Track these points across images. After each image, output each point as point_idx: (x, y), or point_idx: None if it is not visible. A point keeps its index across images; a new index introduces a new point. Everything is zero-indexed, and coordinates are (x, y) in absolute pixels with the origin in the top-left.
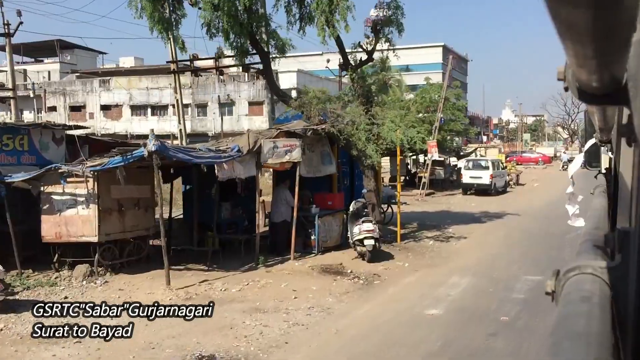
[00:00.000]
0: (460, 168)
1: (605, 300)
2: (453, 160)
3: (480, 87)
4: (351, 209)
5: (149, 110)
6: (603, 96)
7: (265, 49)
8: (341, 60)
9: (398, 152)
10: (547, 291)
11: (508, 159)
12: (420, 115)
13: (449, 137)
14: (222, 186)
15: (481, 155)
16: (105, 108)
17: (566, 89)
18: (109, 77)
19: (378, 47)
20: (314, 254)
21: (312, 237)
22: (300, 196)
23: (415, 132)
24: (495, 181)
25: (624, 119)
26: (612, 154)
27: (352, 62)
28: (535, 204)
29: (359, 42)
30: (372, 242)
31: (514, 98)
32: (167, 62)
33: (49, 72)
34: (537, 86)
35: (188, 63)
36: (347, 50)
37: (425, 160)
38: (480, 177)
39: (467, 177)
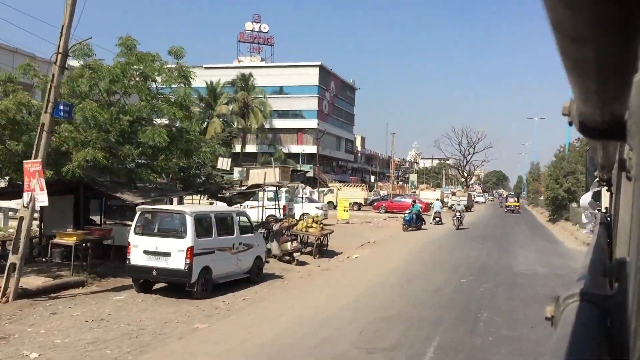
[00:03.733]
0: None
1: (602, 327)
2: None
3: (380, 125)
4: None
5: None
6: (604, 131)
7: None
8: None
9: None
10: (546, 316)
11: (375, 204)
12: None
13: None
14: None
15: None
16: None
17: (570, 124)
18: None
19: (245, 62)
20: None
21: None
22: None
23: None
24: (218, 264)
25: (624, 154)
26: (612, 190)
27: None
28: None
29: None
30: None
31: (420, 139)
32: None
33: None
34: (436, 125)
35: None
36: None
37: None
38: (165, 256)
39: (139, 255)
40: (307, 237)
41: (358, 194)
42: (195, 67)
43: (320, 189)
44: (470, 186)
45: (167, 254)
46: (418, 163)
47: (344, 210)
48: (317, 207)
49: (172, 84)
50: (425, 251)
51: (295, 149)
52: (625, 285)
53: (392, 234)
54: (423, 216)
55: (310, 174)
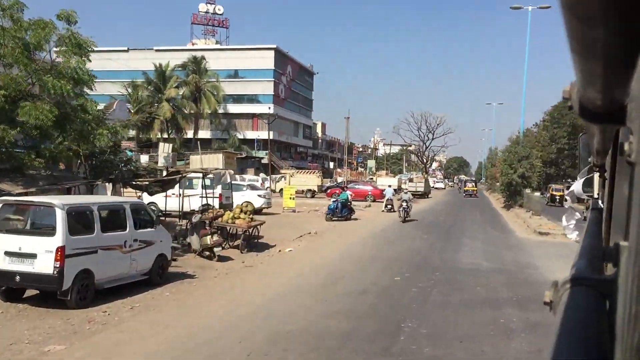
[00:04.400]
0: None
1: (601, 311)
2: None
3: (342, 111)
4: None
5: None
6: (605, 115)
7: None
8: None
9: None
10: (545, 301)
11: (329, 191)
12: None
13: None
14: None
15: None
16: None
17: (570, 108)
18: None
19: (200, 45)
20: None
21: None
22: None
23: None
24: (103, 266)
25: (623, 139)
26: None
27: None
28: None
29: None
30: None
31: (383, 125)
32: None
33: None
34: (396, 110)
35: None
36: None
37: None
38: (31, 258)
39: None
40: (236, 229)
41: (312, 180)
42: (146, 50)
43: (272, 176)
44: (432, 172)
45: (33, 256)
46: (377, 149)
47: (290, 198)
48: (260, 195)
49: (69, 56)
50: (366, 243)
51: (251, 134)
52: (623, 269)
53: (336, 224)
54: (352, 205)
55: (265, 161)
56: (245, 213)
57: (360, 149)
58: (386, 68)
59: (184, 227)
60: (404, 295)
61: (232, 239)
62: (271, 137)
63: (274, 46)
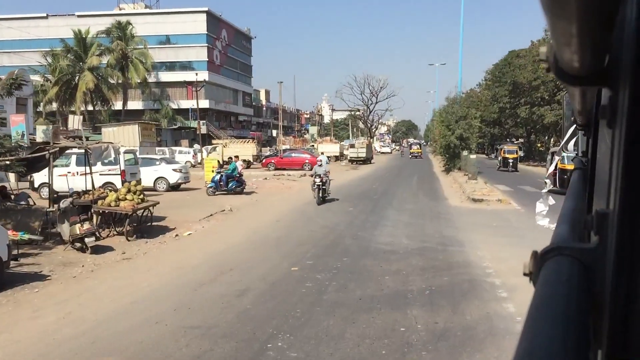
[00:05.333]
0: None
1: (583, 282)
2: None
3: (288, 77)
4: None
5: None
6: (584, 77)
7: None
8: None
9: None
10: (524, 272)
11: (264, 160)
12: None
13: None
14: None
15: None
16: None
17: (548, 70)
18: None
19: (128, 10)
20: None
21: None
22: None
23: None
24: None
25: (605, 101)
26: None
27: None
28: None
29: None
30: None
31: (330, 90)
32: None
33: None
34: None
35: None
36: None
37: None
38: None
39: None
40: (120, 213)
41: (247, 150)
42: (67, 16)
43: (204, 147)
44: (380, 137)
45: None
46: (322, 115)
47: (213, 172)
48: (176, 170)
49: None
50: (282, 220)
51: (186, 104)
52: (606, 238)
53: (258, 199)
54: (243, 178)
55: (203, 131)
56: (135, 193)
57: (307, 116)
58: (331, 34)
59: (56, 213)
60: (293, 293)
61: (120, 224)
62: (207, 106)
63: (206, 9)
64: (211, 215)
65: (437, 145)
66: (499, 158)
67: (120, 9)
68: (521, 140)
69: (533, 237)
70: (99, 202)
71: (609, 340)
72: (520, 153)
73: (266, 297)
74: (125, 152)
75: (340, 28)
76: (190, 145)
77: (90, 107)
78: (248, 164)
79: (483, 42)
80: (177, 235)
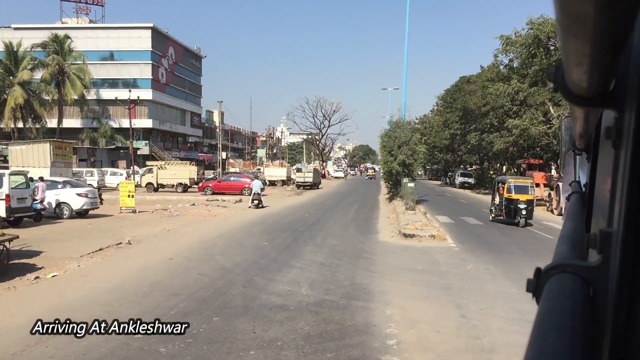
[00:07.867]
0: None
1: (586, 297)
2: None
3: (244, 100)
4: None
5: None
6: (591, 99)
7: None
8: None
9: None
10: (527, 289)
11: (201, 184)
12: None
13: None
14: None
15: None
16: None
17: (555, 90)
18: None
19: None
20: None
21: None
22: None
23: None
24: None
25: (609, 122)
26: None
27: None
28: None
29: None
30: None
31: (287, 114)
32: None
33: None
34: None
35: None
36: None
37: None
38: None
39: None
40: None
41: (183, 172)
42: (2, 28)
43: (140, 169)
44: (336, 161)
45: None
46: (273, 138)
47: (129, 196)
48: (81, 194)
49: None
50: (177, 258)
51: (127, 123)
52: (609, 256)
53: (173, 227)
54: (39, 205)
55: (145, 151)
56: None
57: (264, 139)
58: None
59: None
60: None
61: None
62: (150, 125)
63: (151, 25)
64: (101, 249)
65: (382, 172)
66: (496, 199)
67: (62, 23)
68: (474, 167)
69: (460, 288)
70: None
71: (611, 351)
72: (471, 180)
73: None
74: (11, 174)
75: (300, 52)
76: (129, 167)
77: (20, 124)
78: (185, 188)
79: (436, 67)
80: (37, 277)
